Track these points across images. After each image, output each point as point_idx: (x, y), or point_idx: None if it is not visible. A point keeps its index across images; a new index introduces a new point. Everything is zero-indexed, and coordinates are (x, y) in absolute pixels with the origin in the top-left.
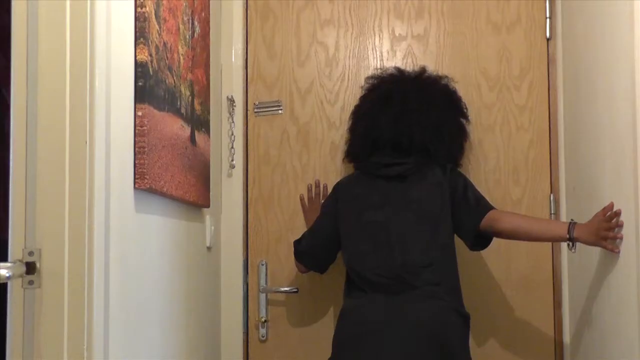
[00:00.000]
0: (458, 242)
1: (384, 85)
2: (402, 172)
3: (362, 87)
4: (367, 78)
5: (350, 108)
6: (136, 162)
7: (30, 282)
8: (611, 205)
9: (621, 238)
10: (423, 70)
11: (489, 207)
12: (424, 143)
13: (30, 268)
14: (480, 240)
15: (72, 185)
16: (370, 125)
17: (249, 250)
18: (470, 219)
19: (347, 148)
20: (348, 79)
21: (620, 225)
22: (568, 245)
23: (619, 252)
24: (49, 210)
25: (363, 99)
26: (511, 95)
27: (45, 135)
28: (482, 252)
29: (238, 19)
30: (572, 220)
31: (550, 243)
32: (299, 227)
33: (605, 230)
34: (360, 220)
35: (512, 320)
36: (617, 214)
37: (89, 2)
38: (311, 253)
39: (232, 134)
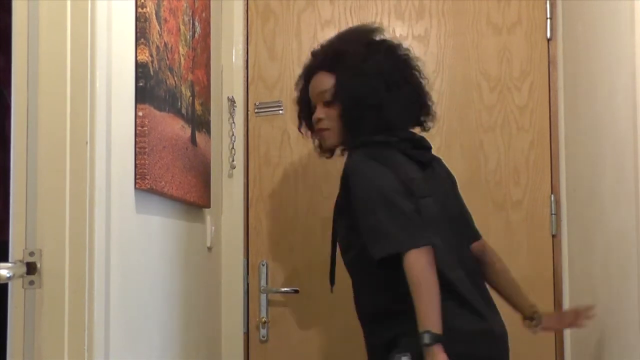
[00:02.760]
0: None
1: (396, 49)
2: (431, 161)
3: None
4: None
5: None
6: (137, 162)
7: (31, 283)
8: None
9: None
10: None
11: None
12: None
13: (31, 268)
14: None
15: (72, 186)
16: (420, 92)
17: (249, 250)
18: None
19: (384, 114)
20: None
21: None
22: (531, 320)
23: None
24: (49, 210)
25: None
26: (512, 96)
27: (45, 135)
28: None
29: (239, 19)
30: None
31: (551, 242)
32: (300, 228)
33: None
34: (436, 209)
35: (512, 321)
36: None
37: (89, 2)
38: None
39: (233, 135)
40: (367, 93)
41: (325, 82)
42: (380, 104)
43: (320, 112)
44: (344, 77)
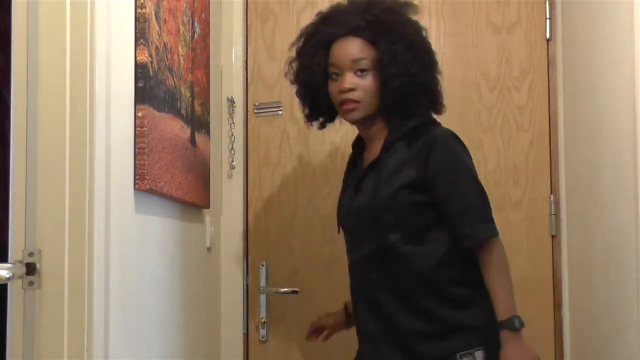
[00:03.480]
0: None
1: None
2: None
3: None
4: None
5: None
6: (136, 163)
7: (31, 283)
8: None
9: None
10: None
11: None
12: None
13: (31, 269)
14: None
15: (72, 187)
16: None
17: (249, 251)
18: None
19: (432, 95)
20: None
21: None
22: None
23: None
24: (49, 211)
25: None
26: (511, 96)
27: (45, 136)
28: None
29: (238, 20)
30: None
31: (550, 243)
32: (299, 229)
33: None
34: None
35: None
36: None
37: (89, 2)
38: None
39: (233, 135)
40: (418, 71)
41: (361, 49)
42: (429, 84)
43: (350, 82)
44: (396, 51)
